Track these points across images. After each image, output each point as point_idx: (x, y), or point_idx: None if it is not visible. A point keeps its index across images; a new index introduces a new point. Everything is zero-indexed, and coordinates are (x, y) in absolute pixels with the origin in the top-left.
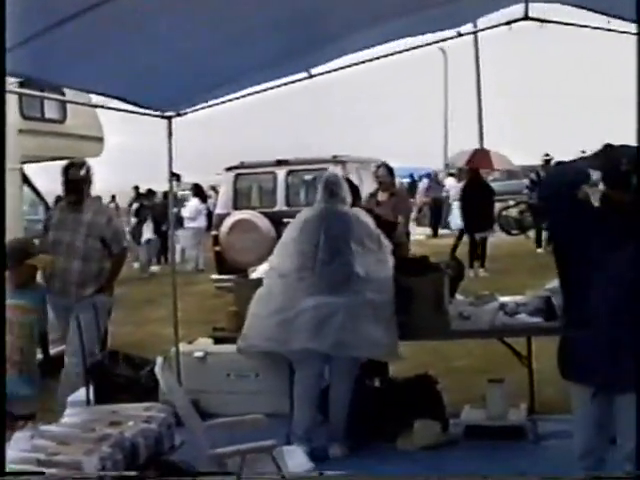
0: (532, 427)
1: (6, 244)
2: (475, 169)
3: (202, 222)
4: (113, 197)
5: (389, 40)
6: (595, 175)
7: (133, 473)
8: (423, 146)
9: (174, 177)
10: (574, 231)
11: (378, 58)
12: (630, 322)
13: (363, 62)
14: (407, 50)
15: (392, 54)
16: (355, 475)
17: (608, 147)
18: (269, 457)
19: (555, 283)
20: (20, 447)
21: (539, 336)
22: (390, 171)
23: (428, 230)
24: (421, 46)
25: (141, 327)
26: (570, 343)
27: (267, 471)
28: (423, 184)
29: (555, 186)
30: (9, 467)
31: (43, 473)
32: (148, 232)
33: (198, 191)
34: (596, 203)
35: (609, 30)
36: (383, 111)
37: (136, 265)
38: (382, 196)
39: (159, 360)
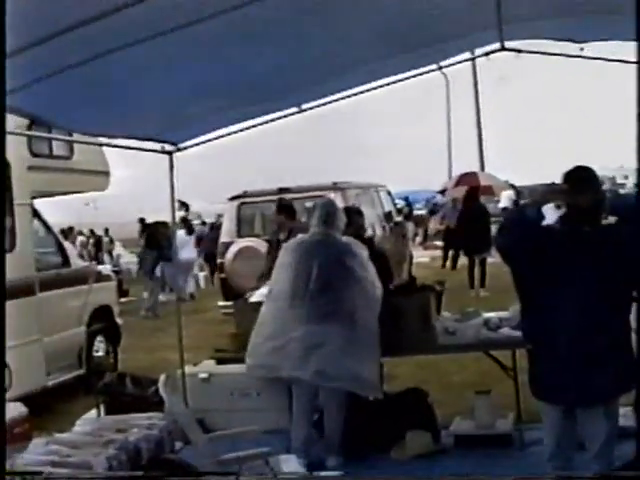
0: (519, 435)
1: None
2: (471, 192)
3: (190, 253)
4: (106, 230)
5: (376, 79)
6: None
7: (139, 473)
8: (427, 171)
9: (183, 206)
10: (532, 258)
11: (375, 88)
12: (592, 341)
13: (358, 93)
14: (399, 81)
15: (388, 84)
16: (349, 476)
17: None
18: (265, 465)
19: None
20: (37, 451)
21: (522, 349)
22: (288, 208)
23: (437, 252)
24: (420, 74)
25: (150, 353)
26: (537, 365)
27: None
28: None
29: (508, 239)
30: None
31: (41, 473)
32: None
33: (184, 223)
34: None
35: (580, 57)
36: (387, 136)
37: (145, 295)
38: (283, 235)
39: (162, 378)
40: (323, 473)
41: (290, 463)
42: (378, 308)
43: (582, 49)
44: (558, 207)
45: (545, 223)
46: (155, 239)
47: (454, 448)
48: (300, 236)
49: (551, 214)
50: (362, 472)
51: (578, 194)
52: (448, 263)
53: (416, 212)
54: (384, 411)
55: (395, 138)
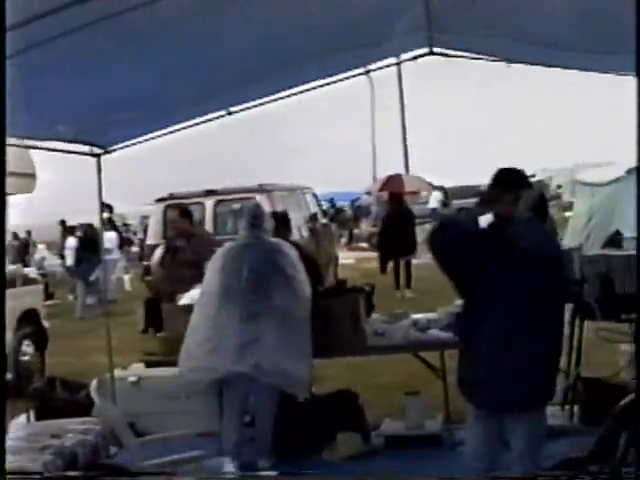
0: (448, 435)
1: None
2: (397, 195)
3: (115, 254)
4: (28, 232)
5: (305, 82)
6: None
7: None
8: (352, 172)
9: (106, 208)
10: (462, 261)
11: (302, 92)
12: (519, 346)
13: (285, 97)
14: (327, 85)
15: (314, 88)
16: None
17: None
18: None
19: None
20: None
21: (449, 350)
22: (190, 214)
23: (363, 254)
24: (347, 78)
25: (78, 357)
26: (465, 367)
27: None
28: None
29: (442, 242)
30: None
31: (42, 473)
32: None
33: (110, 225)
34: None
35: (508, 61)
36: (313, 139)
37: (78, 296)
38: (180, 241)
39: (94, 382)
40: (258, 473)
41: (223, 466)
42: (309, 307)
43: (509, 66)
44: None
45: (479, 226)
46: (91, 241)
47: (384, 449)
48: (229, 242)
49: (484, 218)
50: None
51: (507, 196)
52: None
53: (341, 213)
54: (314, 413)
55: (320, 140)
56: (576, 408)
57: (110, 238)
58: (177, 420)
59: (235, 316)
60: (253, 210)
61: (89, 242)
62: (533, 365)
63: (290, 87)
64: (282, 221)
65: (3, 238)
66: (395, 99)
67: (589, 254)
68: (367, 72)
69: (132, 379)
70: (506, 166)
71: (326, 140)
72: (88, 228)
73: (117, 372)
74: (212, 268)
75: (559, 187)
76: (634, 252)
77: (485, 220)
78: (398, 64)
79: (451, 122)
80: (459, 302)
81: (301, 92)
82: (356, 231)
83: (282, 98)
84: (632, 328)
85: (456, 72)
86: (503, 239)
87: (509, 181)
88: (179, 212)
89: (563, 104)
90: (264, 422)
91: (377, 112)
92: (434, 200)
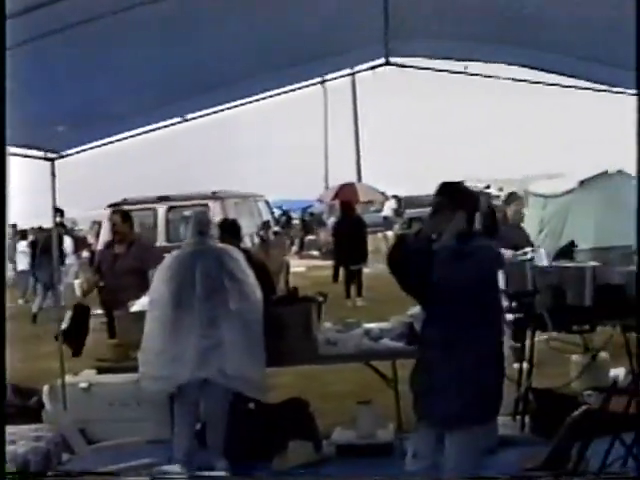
0: (399, 444)
1: None
2: (348, 204)
3: (68, 259)
4: None
5: (260, 92)
6: None
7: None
8: (304, 180)
9: (57, 212)
10: (417, 276)
11: (258, 100)
12: (458, 363)
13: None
14: (282, 94)
15: (271, 97)
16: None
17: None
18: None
19: (417, 309)
20: None
21: (401, 359)
22: (126, 217)
23: (313, 262)
24: (299, 88)
25: (29, 362)
26: (413, 383)
27: None
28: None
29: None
30: None
31: (43, 473)
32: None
33: (63, 229)
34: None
35: (464, 73)
36: (266, 146)
37: (36, 301)
38: (119, 248)
39: (45, 388)
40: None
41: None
42: (261, 311)
43: (466, 67)
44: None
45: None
46: (49, 245)
47: (336, 457)
48: (176, 251)
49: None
50: None
51: (452, 210)
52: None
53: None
54: (266, 421)
55: (271, 147)
56: (527, 418)
57: (66, 243)
58: (127, 427)
59: (193, 323)
60: (199, 216)
61: (47, 246)
62: (471, 382)
63: (244, 97)
64: (232, 228)
65: (3, 238)
66: (349, 107)
67: (541, 265)
68: (323, 82)
69: (83, 385)
70: (449, 180)
71: (279, 147)
72: (46, 231)
73: (68, 378)
74: (161, 277)
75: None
76: (586, 264)
77: (435, 235)
78: (353, 74)
79: (405, 132)
80: (411, 312)
81: (257, 100)
82: (307, 239)
83: (237, 106)
84: (583, 339)
85: (411, 82)
86: (450, 254)
87: (452, 194)
88: (120, 216)
89: (516, 115)
90: (216, 430)
91: (330, 120)
92: (387, 209)
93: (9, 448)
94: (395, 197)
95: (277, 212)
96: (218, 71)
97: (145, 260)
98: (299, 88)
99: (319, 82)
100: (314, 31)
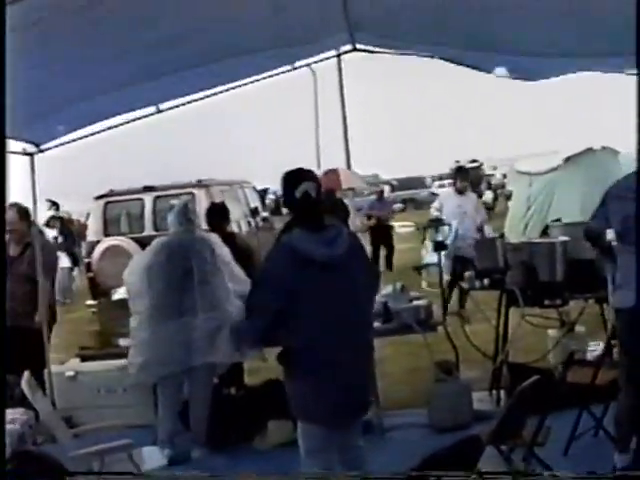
0: (378, 422)
1: None
2: (331, 190)
3: None
4: None
5: (235, 79)
6: None
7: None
8: (296, 166)
9: (53, 205)
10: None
11: (234, 88)
12: (350, 363)
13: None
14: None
15: (253, 82)
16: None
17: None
18: (129, 458)
19: (389, 289)
20: None
21: (378, 338)
22: (24, 213)
23: None
24: (284, 72)
25: None
26: (299, 385)
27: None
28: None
29: None
30: None
31: (44, 473)
32: None
33: (57, 221)
34: None
35: (432, 57)
36: (255, 133)
37: None
38: (15, 250)
39: (25, 374)
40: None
41: (153, 455)
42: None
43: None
44: None
45: None
46: (64, 233)
47: None
48: (162, 238)
49: None
50: (226, 464)
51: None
52: None
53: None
54: (246, 402)
55: (262, 134)
56: (502, 393)
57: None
58: (113, 413)
59: (196, 306)
60: (182, 206)
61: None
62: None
63: (218, 84)
64: (221, 212)
65: (3, 238)
66: (336, 94)
67: (513, 242)
68: (295, 69)
69: (69, 374)
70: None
71: (269, 135)
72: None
73: (54, 367)
74: (149, 264)
75: (505, 176)
76: (556, 239)
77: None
78: (320, 61)
79: (395, 116)
80: (385, 291)
81: (233, 88)
82: None
83: (217, 93)
84: (559, 314)
85: (395, 68)
86: (330, 259)
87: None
88: (17, 212)
89: (510, 94)
90: (199, 412)
91: (321, 106)
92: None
93: None
94: (388, 183)
95: (271, 197)
96: (193, 54)
97: (44, 264)
98: (277, 73)
99: (291, 69)
100: (285, 18)
